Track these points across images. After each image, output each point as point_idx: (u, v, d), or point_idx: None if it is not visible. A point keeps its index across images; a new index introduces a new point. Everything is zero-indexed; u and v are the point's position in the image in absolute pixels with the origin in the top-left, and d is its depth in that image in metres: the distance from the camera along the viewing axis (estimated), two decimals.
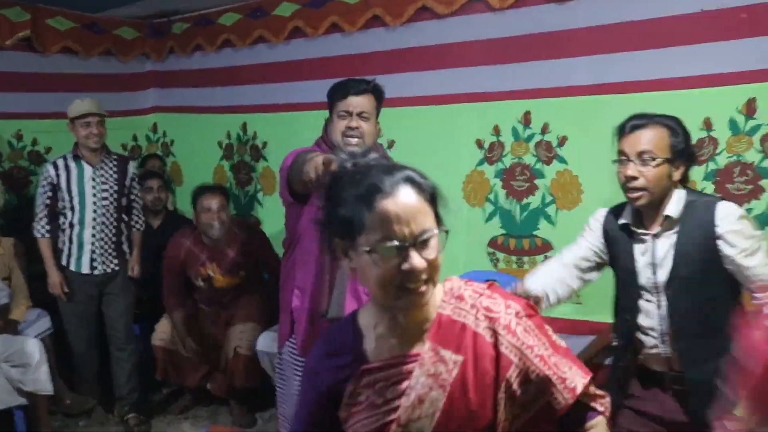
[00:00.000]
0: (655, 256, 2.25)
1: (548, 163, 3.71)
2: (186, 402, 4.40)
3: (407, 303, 1.30)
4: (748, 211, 3.13)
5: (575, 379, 1.42)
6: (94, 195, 4.02)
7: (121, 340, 4.16)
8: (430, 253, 1.27)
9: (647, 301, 2.30)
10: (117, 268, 4.12)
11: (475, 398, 1.36)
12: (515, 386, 1.36)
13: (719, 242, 2.16)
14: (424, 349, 1.38)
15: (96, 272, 4.05)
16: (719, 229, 2.15)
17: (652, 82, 3.32)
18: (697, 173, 3.23)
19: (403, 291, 1.27)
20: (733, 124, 3.17)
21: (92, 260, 4.04)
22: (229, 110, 5.06)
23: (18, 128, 4.92)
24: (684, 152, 2.21)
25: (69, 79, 5.07)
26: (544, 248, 3.78)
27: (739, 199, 3.15)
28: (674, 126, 2.20)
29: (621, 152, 2.23)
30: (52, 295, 4.04)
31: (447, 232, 1.32)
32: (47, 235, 4.00)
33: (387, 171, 1.29)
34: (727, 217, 2.15)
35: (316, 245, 2.60)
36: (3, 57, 4.77)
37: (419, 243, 1.26)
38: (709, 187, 3.22)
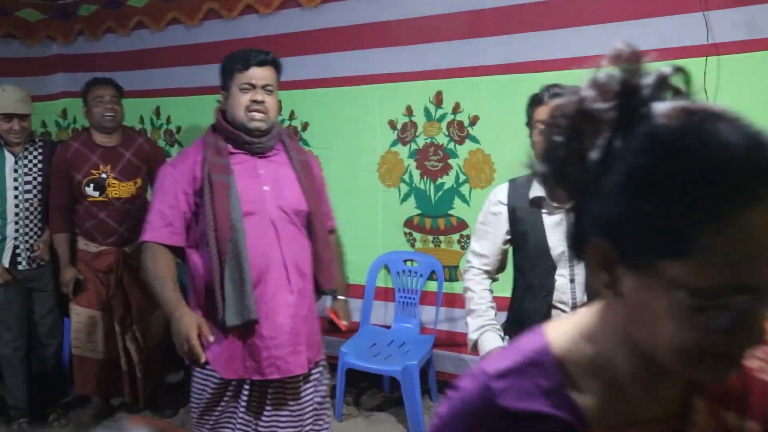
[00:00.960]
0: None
1: (461, 142, 3.75)
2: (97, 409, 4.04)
3: (717, 376, 0.77)
4: None
5: None
6: (16, 188, 3.76)
7: (44, 336, 3.98)
8: None
9: (560, 275, 2.27)
10: (43, 263, 3.87)
11: None
12: None
13: None
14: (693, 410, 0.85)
15: (20, 267, 3.80)
16: None
17: (564, 60, 3.36)
18: None
19: (720, 362, 0.73)
20: None
21: (16, 255, 3.79)
22: (141, 94, 4.92)
23: None
24: None
25: None
26: (460, 227, 3.83)
27: None
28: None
29: (540, 121, 2.18)
30: None
31: None
32: None
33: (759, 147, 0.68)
34: None
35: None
36: None
37: None
38: None
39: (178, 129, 4.86)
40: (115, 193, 3.73)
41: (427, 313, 3.98)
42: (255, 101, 2.51)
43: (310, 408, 2.71)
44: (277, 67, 2.63)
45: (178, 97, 4.77)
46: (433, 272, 3.93)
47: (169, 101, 4.81)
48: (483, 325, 2.33)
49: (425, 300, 3.99)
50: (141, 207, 3.69)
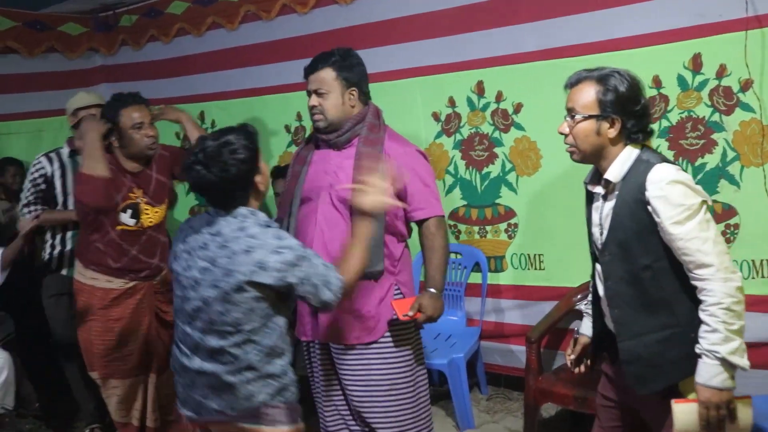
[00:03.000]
0: (602, 216, 2.17)
1: (506, 131, 3.74)
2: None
3: None
4: (701, 166, 3.20)
5: None
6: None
7: None
8: None
9: (598, 263, 2.22)
10: None
11: None
12: None
13: (649, 208, 2.01)
14: None
15: (64, 272, 3.71)
16: (648, 194, 2.00)
17: (600, 43, 3.36)
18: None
19: None
20: (681, 80, 3.22)
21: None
22: (185, 100, 4.98)
23: None
24: (617, 108, 2.05)
25: (14, 80, 4.96)
26: (507, 216, 3.82)
27: (692, 155, 3.22)
28: (609, 82, 2.06)
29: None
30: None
31: None
32: (45, 207, 3.65)
33: None
34: (657, 182, 1.99)
35: None
36: None
37: None
38: (663, 144, 3.28)
39: None
40: (150, 221, 3.35)
41: (473, 304, 3.97)
42: (311, 106, 2.74)
43: (375, 382, 2.77)
44: (333, 66, 2.70)
45: (221, 100, 4.84)
46: (477, 263, 3.92)
47: (213, 105, 4.89)
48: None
49: (470, 292, 3.98)
50: (165, 234, 3.51)
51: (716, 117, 3.16)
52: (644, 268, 2.06)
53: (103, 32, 5.38)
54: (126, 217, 3.25)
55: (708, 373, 1.95)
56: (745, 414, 2.01)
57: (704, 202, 2.00)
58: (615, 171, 2.09)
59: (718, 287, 1.93)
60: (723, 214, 3.18)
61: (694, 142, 3.22)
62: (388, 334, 2.77)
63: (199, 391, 2.19)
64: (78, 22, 5.31)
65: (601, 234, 2.16)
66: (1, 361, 3.49)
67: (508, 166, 3.75)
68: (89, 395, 3.82)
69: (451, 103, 3.90)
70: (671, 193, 1.97)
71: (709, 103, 3.17)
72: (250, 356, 2.13)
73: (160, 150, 3.39)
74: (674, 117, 3.25)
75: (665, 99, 3.26)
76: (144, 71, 5.19)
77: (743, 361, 1.95)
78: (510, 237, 3.83)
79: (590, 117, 2.07)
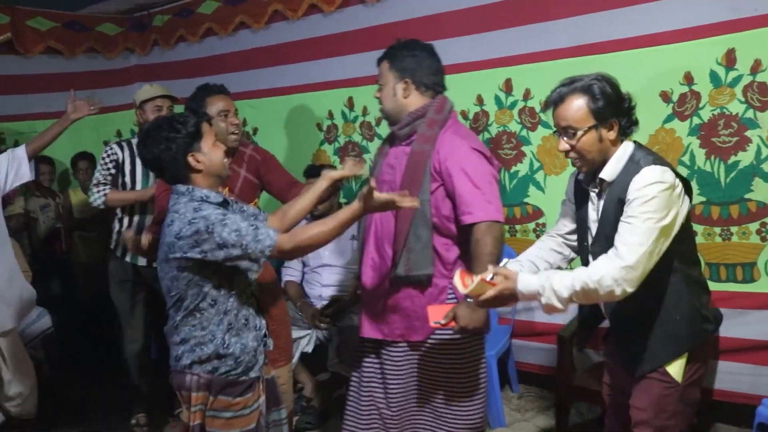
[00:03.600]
0: (599, 212, 2.25)
1: (533, 129, 3.69)
2: None
3: None
4: (734, 164, 3.12)
5: None
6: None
7: None
8: None
9: (589, 254, 2.31)
10: None
11: None
12: None
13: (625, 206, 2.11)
14: None
15: (155, 264, 3.79)
16: (629, 194, 2.08)
17: (631, 39, 3.31)
18: (681, 128, 3.22)
19: None
20: (714, 77, 3.14)
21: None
22: None
23: (0, 131, 4.96)
24: (609, 113, 2.12)
25: (53, 80, 5.07)
26: (536, 215, 3.77)
27: (724, 152, 3.14)
28: (593, 91, 2.12)
29: (555, 125, 2.21)
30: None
31: None
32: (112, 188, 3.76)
33: None
34: (639, 182, 2.06)
35: None
36: None
37: None
38: (695, 142, 3.20)
39: (255, 131, 4.97)
40: None
41: None
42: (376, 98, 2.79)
43: (417, 382, 2.76)
44: (387, 58, 2.73)
45: (252, 99, 4.87)
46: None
47: (244, 104, 4.91)
48: None
49: None
50: None
51: (750, 113, 3.07)
52: None
53: (137, 32, 5.47)
54: None
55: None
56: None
57: (675, 216, 2.08)
58: (610, 170, 2.18)
59: (608, 269, 2.03)
60: (758, 212, 3.10)
61: (726, 140, 3.14)
62: (438, 335, 2.70)
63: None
64: (114, 23, 5.41)
65: (588, 229, 2.30)
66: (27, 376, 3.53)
67: (536, 164, 3.70)
68: (143, 383, 3.95)
69: (479, 101, 3.86)
70: (645, 196, 2.04)
71: (743, 99, 3.08)
72: (180, 321, 2.32)
73: (251, 151, 3.31)
74: (706, 114, 3.17)
75: (697, 96, 3.18)
76: (175, 70, 5.26)
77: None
78: (538, 236, 3.77)
79: (590, 129, 2.13)
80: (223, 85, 3.22)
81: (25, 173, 3.44)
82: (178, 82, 4.95)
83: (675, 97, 3.23)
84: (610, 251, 2.07)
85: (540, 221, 3.76)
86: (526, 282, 2.12)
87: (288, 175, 3.33)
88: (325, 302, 3.95)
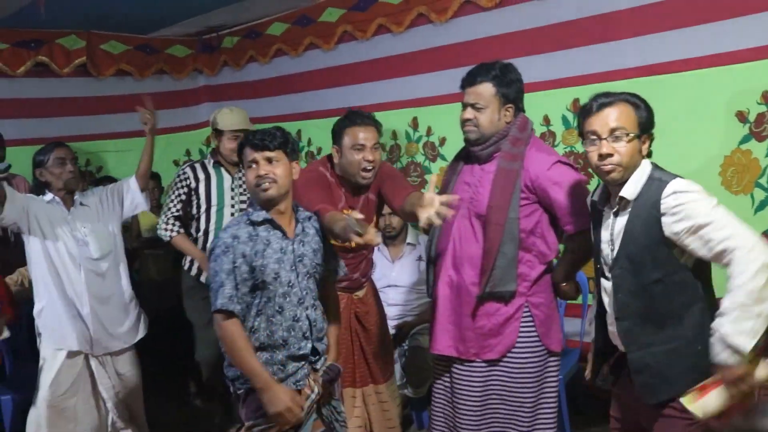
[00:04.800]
0: (613, 233, 2.24)
1: None
2: None
3: None
4: None
5: None
6: (233, 206, 3.86)
7: None
8: None
9: (605, 278, 2.29)
10: None
11: None
12: None
13: (663, 221, 2.09)
14: None
15: None
16: (662, 208, 2.08)
17: (706, 58, 3.23)
18: (759, 149, 3.13)
19: None
20: None
21: None
22: (282, 119, 5.13)
23: (73, 151, 5.09)
24: (647, 126, 2.19)
25: (125, 100, 5.22)
26: None
27: None
28: (637, 102, 2.19)
29: (591, 132, 2.20)
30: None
31: None
32: (181, 230, 3.82)
33: None
34: (672, 195, 2.07)
35: None
36: (61, 84, 4.98)
37: None
38: None
39: (319, 150, 5.03)
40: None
41: (572, 325, 3.88)
42: (465, 119, 2.73)
43: (490, 402, 2.76)
44: (493, 81, 2.70)
45: (317, 119, 4.93)
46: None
47: (309, 124, 5.00)
48: None
49: (570, 312, 3.89)
50: (371, 250, 3.31)
51: None
52: (655, 281, 2.13)
53: (206, 53, 5.60)
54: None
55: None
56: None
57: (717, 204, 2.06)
58: (630, 189, 2.18)
59: (743, 268, 1.96)
60: None
61: None
62: (513, 354, 2.72)
63: None
64: (184, 44, 5.56)
65: (612, 250, 2.24)
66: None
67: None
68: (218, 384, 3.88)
69: (546, 121, 3.83)
70: (687, 203, 2.04)
71: None
72: None
73: (380, 168, 3.10)
74: None
75: None
76: (244, 91, 5.37)
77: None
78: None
79: (636, 137, 2.16)
80: (372, 114, 3.08)
81: (141, 203, 3.65)
82: (246, 102, 5.07)
83: (752, 117, 3.14)
84: (730, 262, 1.98)
85: None
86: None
87: (402, 182, 3.10)
88: (391, 322, 3.96)
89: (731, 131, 3.19)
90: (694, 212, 2.03)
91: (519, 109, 2.75)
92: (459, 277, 2.75)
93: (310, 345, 2.50)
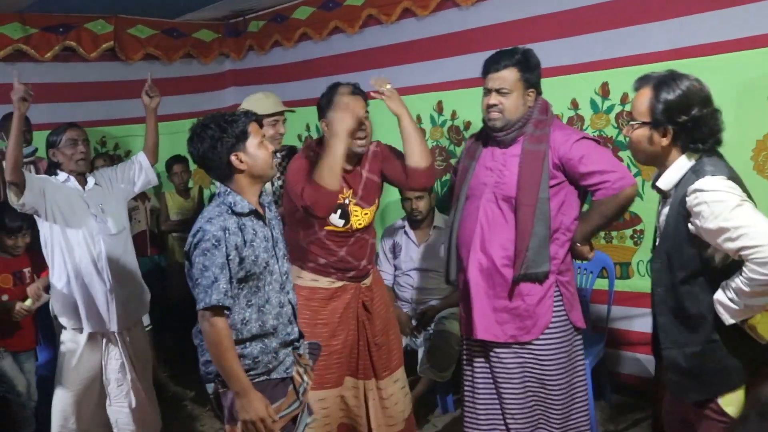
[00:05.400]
0: (659, 223, 2.21)
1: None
2: None
3: None
4: None
5: None
6: (274, 192, 3.60)
7: None
8: None
9: (652, 273, 2.27)
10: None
11: None
12: None
13: (691, 220, 2.02)
14: None
15: None
16: (687, 205, 2.01)
17: (737, 41, 3.18)
18: None
19: None
20: None
21: None
22: (306, 103, 5.10)
23: (102, 135, 5.16)
24: (668, 118, 2.05)
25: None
26: (633, 222, 3.69)
27: None
28: (662, 88, 2.06)
29: (628, 114, 2.27)
30: None
31: None
32: None
33: None
34: (693, 194, 1.99)
35: None
36: (89, 68, 5.01)
37: None
38: None
39: None
40: (359, 223, 3.06)
41: (599, 311, 3.85)
42: (490, 105, 2.76)
43: (529, 383, 2.79)
44: (517, 66, 2.73)
45: None
46: (603, 269, 3.80)
47: None
48: None
49: (596, 298, 3.86)
50: (373, 235, 3.24)
51: None
52: (682, 281, 2.08)
53: (232, 38, 5.61)
54: (335, 218, 3.01)
55: None
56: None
57: (743, 200, 1.96)
58: (666, 179, 2.12)
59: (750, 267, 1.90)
60: None
61: None
62: (545, 334, 2.76)
63: None
64: (210, 29, 5.57)
65: (656, 241, 2.22)
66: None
67: (634, 170, 3.59)
68: None
69: (574, 105, 3.79)
70: (707, 200, 1.95)
71: None
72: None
73: (375, 147, 3.13)
74: None
75: None
76: (269, 75, 5.38)
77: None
78: (636, 243, 3.69)
79: (644, 124, 2.09)
80: (357, 84, 3.06)
81: (153, 178, 3.68)
82: (271, 86, 5.07)
83: None
84: (748, 261, 1.91)
85: (638, 228, 3.67)
86: None
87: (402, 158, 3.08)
88: (416, 305, 3.97)
89: (763, 115, 3.14)
90: (713, 213, 1.94)
91: (539, 93, 2.80)
92: (489, 260, 2.76)
93: (296, 329, 2.50)
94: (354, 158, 3.02)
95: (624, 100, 3.60)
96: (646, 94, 2.10)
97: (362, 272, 3.14)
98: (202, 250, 2.23)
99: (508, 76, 2.71)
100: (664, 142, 2.08)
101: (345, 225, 3.02)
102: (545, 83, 3.79)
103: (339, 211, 2.99)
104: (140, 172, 3.62)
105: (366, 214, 3.08)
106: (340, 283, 3.08)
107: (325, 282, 3.08)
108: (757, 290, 1.91)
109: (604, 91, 3.67)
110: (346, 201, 3.01)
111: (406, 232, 4.10)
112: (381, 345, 3.18)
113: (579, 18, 3.68)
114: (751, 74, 3.14)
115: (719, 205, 1.94)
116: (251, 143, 2.33)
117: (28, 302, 3.48)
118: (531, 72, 2.74)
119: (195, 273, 2.24)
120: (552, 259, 2.72)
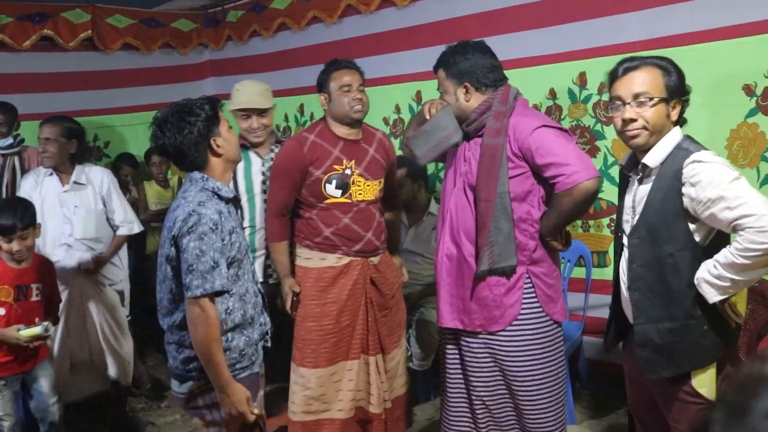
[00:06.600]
0: (635, 200, 2.23)
1: (608, 123, 3.62)
2: None
3: None
4: None
5: None
6: (264, 191, 3.43)
7: None
8: None
9: (623, 245, 2.28)
10: None
11: None
12: None
13: (683, 191, 2.07)
14: None
15: (271, 281, 3.46)
16: (683, 177, 2.06)
17: (713, 31, 3.21)
18: (765, 123, 3.12)
19: None
20: None
21: (266, 266, 3.48)
22: (286, 93, 5.12)
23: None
24: (678, 91, 2.15)
25: (131, 75, 5.22)
26: (610, 211, 3.71)
27: None
28: (666, 65, 2.15)
29: (616, 98, 2.19)
30: None
31: None
32: None
33: None
34: (692, 164, 2.05)
35: None
36: (67, 58, 4.97)
37: None
38: None
39: None
40: (360, 194, 3.18)
41: (575, 299, 3.89)
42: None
43: (499, 373, 2.77)
44: (442, 67, 2.73)
45: None
46: (580, 257, 3.83)
47: (313, 98, 4.94)
48: None
49: (573, 287, 3.90)
50: (381, 213, 3.33)
51: None
52: (668, 255, 2.12)
53: (211, 28, 5.58)
54: (331, 189, 3.13)
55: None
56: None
57: (739, 175, 2.03)
58: (654, 156, 2.16)
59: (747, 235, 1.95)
60: None
61: None
62: (514, 326, 2.70)
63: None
64: (189, 19, 5.54)
65: (632, 218, 2.23)
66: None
67: (611, 159, 3.64)
68: None
69: (552, 94, 3.82)
70: (710, 168, 2.02)
71: None
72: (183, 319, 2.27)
73: (382, 135, 3.37)
74: None
75: None
76: (247, 65, 5.36)
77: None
78: (612, 232, 3.72)
79: (662, 100, 2.12)
80: (353, 60, 3.26)
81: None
82: (250, 76, 5.03)
83: (759, 91, 3.12)
84: (742, 232, 1.96)
85: (614, 216, 3.69)
86: None
87: (394, 185, 3.48)
88: None
89: (738, 105, 3.18)
90: (713, 183, 2.00)
91: (483, 84, 2.68)
92: (457, 249, 2.76)
93: (268, 319, 2.49)
94: (356, 124, 3.23)
95: (601, 89, 3.62)
96: (654, 71, 2.13)
97: (369, 246, 3.24)
98: (199, 235, 2.14)
99: (439, 77, 2.75)
100: (674, 116, 2.16)
101: (343, 195, 3.17)
102: (522, 73, 3.85)
103: (334, 182, 3.14)
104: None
105: (369, 185, 3.23)
106: (347, 259, 3.21)
107: (332, 259, 3.20)
108: (750, 262, 1.96)
109: (582, 80, 3.69)
110: (347, 171, 3.16)
111: None
112: (390, 323, 3.32)
113: (556, 8, 3.70)
114: (725, 64, 3.17)
115: (719, 176, 2.01)
116: (223, 127, 2.31)
117: (32, 330, 2.98)
118: (456, 67, 2.69)
119: (188, 258, 2.14)
120: (522, 250, 2.66)
